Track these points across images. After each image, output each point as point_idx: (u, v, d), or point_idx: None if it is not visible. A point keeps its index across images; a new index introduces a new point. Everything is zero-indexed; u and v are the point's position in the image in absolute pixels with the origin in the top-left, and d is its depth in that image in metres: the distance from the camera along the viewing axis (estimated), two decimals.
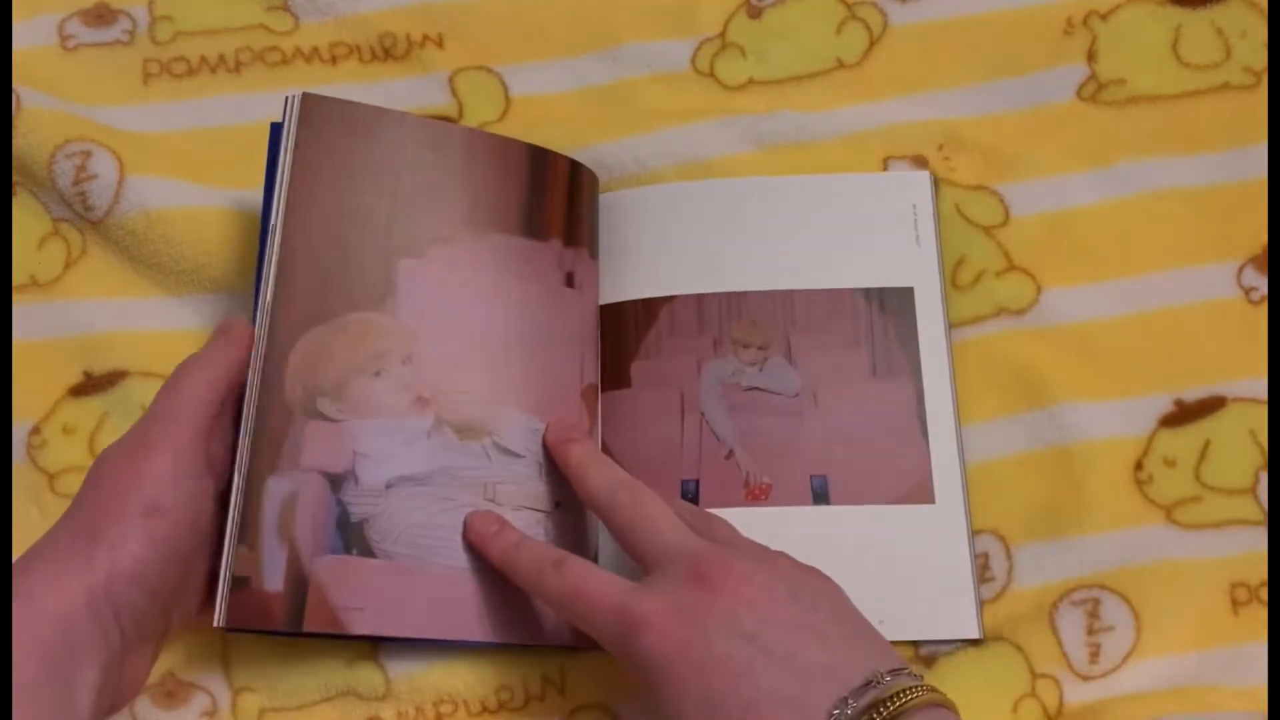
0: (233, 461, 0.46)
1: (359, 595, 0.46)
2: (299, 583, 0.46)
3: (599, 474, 0.47)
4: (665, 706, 0.39)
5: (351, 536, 0.47)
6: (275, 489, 0.46)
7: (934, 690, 0.39)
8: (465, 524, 0.48)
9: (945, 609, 0.50)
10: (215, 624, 0.44)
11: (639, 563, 0.44)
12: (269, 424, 0.47)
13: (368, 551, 0.47)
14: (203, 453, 0.44)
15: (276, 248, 0.48)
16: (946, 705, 0.39)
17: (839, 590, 0.42)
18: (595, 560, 0.50)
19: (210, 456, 0.45)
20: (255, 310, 0.49)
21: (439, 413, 0.49)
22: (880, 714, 0.37)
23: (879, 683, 0.37)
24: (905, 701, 0.37)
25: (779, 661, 0.38)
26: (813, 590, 0.41)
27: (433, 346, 0.50)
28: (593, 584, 0.42)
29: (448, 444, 0.49)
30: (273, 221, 0.49)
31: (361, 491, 0.47)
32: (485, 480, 0.49)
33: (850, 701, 0.37)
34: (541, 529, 0.49)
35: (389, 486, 0.48)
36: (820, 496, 0.51)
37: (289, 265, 0.48)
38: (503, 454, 0.50)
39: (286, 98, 0.50)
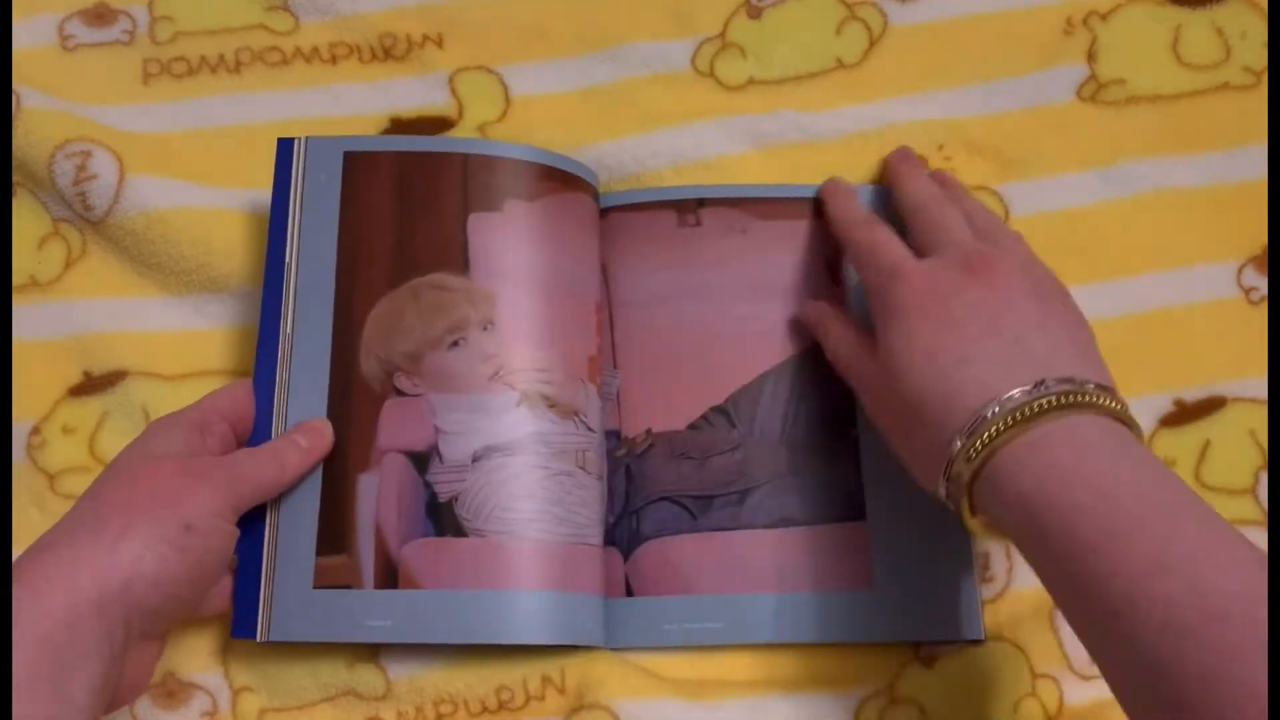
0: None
1: (454, 579, 0.46)
2: (389, 574, 0.46)
3: (913, 183, 0.52)
4: (895, 344, 0.45)
5: (440, 517, 0.47)
6: (368, 484, 0.47)
7: (1127, 412, 0.42)
8: (824, 185, 0.54)
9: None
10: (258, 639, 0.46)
11: (931, 253, 0.48)
12: (354, 409, 0.47)
13: (459, 531, 0.47)
14: (241, 512, 0.46)
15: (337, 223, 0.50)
16: (1130, 425, 0.42)
17: (1086, 323, 0.46)
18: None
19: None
20: (266, 304, 0.50)
21: (524, 389, 0.49)
22: (1064, 400, 0.41)
23: (1080, 381, 0.41)
24: (1093, 399, 0.41)
25: (1007, 340, 0.43)
26: (1061, 305, 0.46)
27: (511, 311, 0.50)
28: (885, 241, 0.49)
29: (537, 411, 0.49)
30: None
31: (446, 468, 0.47)
32: (578, 448, 0.49)
33: (1046, 383, 0.41)
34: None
35: (475, 460, 0.48)
36: None
37: (350, 234, 0.49)
38: (589, 430, 0.50)
39: None
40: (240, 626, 0.47)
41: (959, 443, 0.41)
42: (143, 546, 0.41)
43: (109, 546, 0.41)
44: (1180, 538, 0.37)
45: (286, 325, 0.50)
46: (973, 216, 0.49)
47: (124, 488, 0.43)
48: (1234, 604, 0.35)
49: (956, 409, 0.42)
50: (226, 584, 0.47)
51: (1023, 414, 0.40)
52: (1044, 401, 0.40)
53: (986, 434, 0.41)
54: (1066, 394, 0.41)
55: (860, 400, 0.49)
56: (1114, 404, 0.41)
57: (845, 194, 0.54)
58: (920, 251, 0.48)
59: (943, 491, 0.43)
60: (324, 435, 0.48)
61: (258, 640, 0.47)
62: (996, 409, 0.41)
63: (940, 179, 0.53)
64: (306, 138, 0.52)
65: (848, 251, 0.51)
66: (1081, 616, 0.39)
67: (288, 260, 0.50)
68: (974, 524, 0.43)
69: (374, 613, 0.47)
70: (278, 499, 0.48)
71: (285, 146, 0.52)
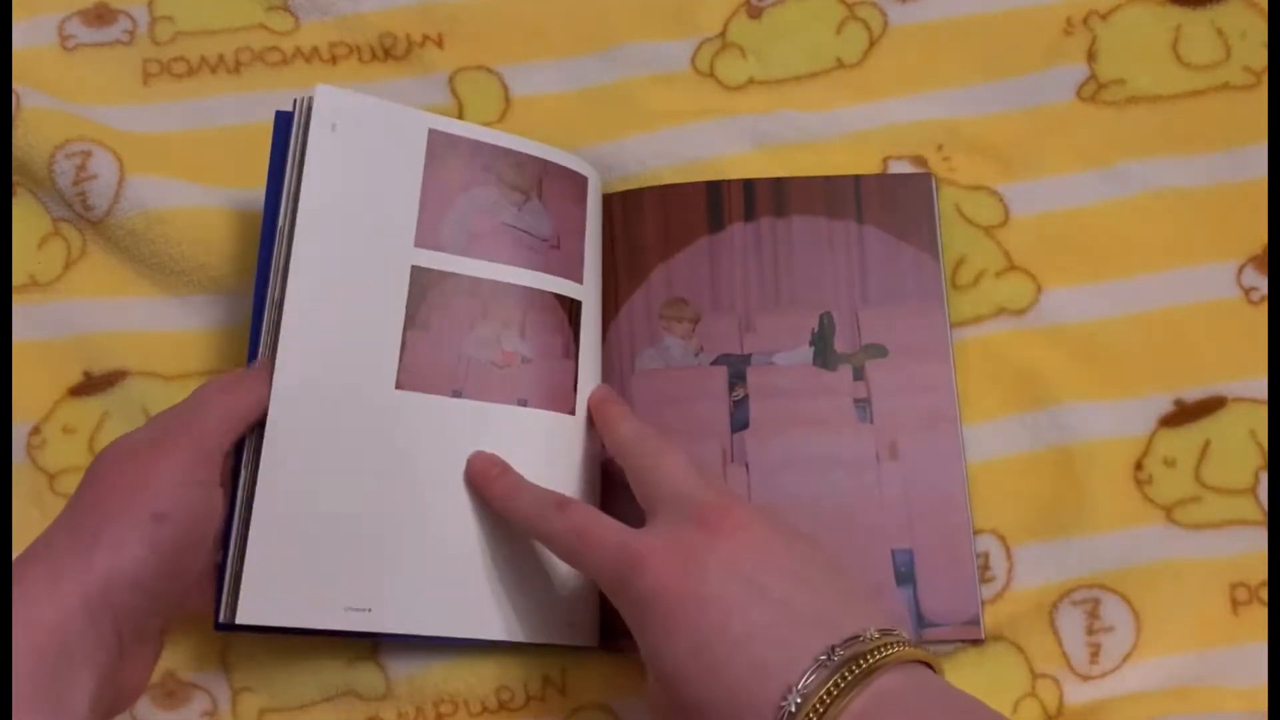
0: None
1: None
2: None
3: (630, 425, 0.48)
4: (656, 643, 0.39)
5: None
6: None
7: (920, 649, 0.39)
8: (467, 465, 0.48)
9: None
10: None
11: (647, 507, 0.44)
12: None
13: None
14: (219, 467, 0.44)
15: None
16: (931, 665, 0.39)
17: (834, 553, 0.42)
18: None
19: (225, 473, 0.45)
20: (258, 305, 0.49)
21: None
22: (864, 664, 0.37)
23: (867, 637, 0.38)
24: (888, 655, 0.37)
25: (773, 604, 0.39)
26: (810, 546, 0.42)
27: None
28: (595, 523, 0.43)
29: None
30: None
31: None
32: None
33: (838, 650, 0.37)
34: None
35: None
36: None
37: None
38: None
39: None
40: (216, 616, 0.45)
41: None
42: (114, 549, 0.40)
43: (85, 553, 0.40)
44: None
45: (275, 292, 0.47)
46: (689, 462, 0.45)
47: (95, 487, 0.42)
48: None
49: (750, 707, 0.37)
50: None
51: (829, 696, 0.36)
52: (842, 677, 0.36)
53: None
54: (858, 658, 0.37)
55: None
56: (905, 649, 0.38)
57: (522, 489, 0.47)
58: (642, 504, 0.44)
59: None
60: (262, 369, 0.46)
61: (220, 623, 0.45)
62: (798, 702, 0.36)
63: (641, 425, 0.49)
64: (314, 88, 0.49)
65: (551, 549, 0.45)
66: None
67: (282, 222, 0.48)
68: None
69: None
70: (251, 482, 0.46)
71: (285, 118, 0.50)
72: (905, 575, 0.50)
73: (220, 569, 0.45)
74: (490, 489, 0.47)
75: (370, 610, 0.46)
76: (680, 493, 0.43)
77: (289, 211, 0.48)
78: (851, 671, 0.36)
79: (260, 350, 0.47)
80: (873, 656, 0.37)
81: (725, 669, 0.38)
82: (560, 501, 0.45)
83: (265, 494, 0.46)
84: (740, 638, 0.38)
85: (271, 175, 0.50)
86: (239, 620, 0.45)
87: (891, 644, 0.38)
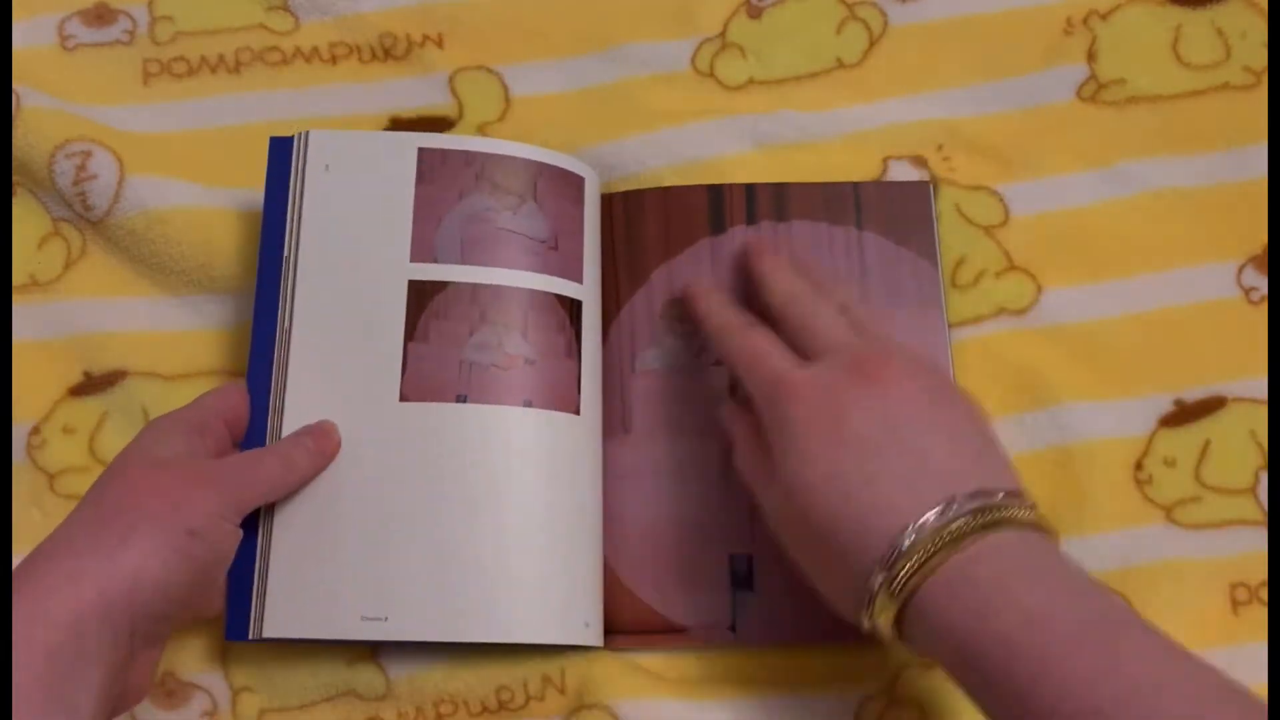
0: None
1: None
2: None
3: (782, 281, 0.50)
4: (794, 466, 0.42)
5: None
6: None
7: (1043, 518, 0.41)
8: (683, 291, 0.52)
9: None
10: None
11: (809, 356, 0.46)
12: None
13: None
14: (245, 515, 0.45)
15: None
16: (1048, 532, 0.41)
17: (981, 414, 0.44)
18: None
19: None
20: (261, 302, 0.50)
21: None
22: (982, 518, 0.39)
23: (993, 494, 0.40)
24: (1008, 513, 0.39)
25: (909, 452, 0.41)
26: (958, 407, 0.44)
27: None
28: (765, 349, 0.46)
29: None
30: None
31: None
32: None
33: (961, 500, 0.39)
34: None
35: None
36: None
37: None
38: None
39: None
40: (233, 629, 0.47)
41: (879, 577, 0.39)
42: (146, 552, 0.41)
43: (111, 552, 0.40)
44: (1119, 667, 0.35)
45: (285, 322, 0.50)
46: (847, 309, 0.48)
47: (124, 492, 0.43)
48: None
49: (868, 539, 0.40)
50: (226, 586, 0.47)
51: (940, 540, 0.39)
52: (958, 525, 0.39)
53: (906, 567, 0.39)
54: (980, 511, 0.39)
55: (767, 522, 0.46)
56: (1026, 513, 0.40)
57: (712, 296, 0.51)
58: (800, 354, 0.46)
59: (865, 625, 0.41)
60: (331, 438, 0.48)
61: (249, 638, 0.46)
62: (912, 538, 0.39)
63: (804, 269, 0.51)
64: (307, 131, 0.52)
65: (726, 362, 0.48)
66: None
67: (286, 255, 0.50)
68: (901, 649, 0.42)
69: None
70: (270, 504, 0.48)
71: (280, 145, 0.52)
72: None
73: (230, 585, 0.47)
74: (697, 305, 0.51)
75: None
76: (840, 342, 0.45)
77: (293, 246, 0.50)
78: (970, 522, 0.39)
79: (273, 383, 0.49)
80: (994, 513, 0.39)
81: (852, 501, 0.41)
82: (748, 324, 0.48)
83: (283, 512, 0.48)
84: (871, 476, 0.41)
85: (268, 200, 0.51)
86: (265, 635, 0.46)
87: (1015, 507, 0.40)
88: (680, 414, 0.53)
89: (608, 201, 0.55)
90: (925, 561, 0.39)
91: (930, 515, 0.39)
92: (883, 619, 0.40)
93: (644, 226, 0.55)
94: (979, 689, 0.38)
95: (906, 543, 0.39)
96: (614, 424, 0.52)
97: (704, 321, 0.50)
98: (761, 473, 0.46)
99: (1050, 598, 0.38)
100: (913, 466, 0.41)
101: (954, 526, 0.39)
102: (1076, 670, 0.36)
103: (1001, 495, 0.40)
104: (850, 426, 0.42)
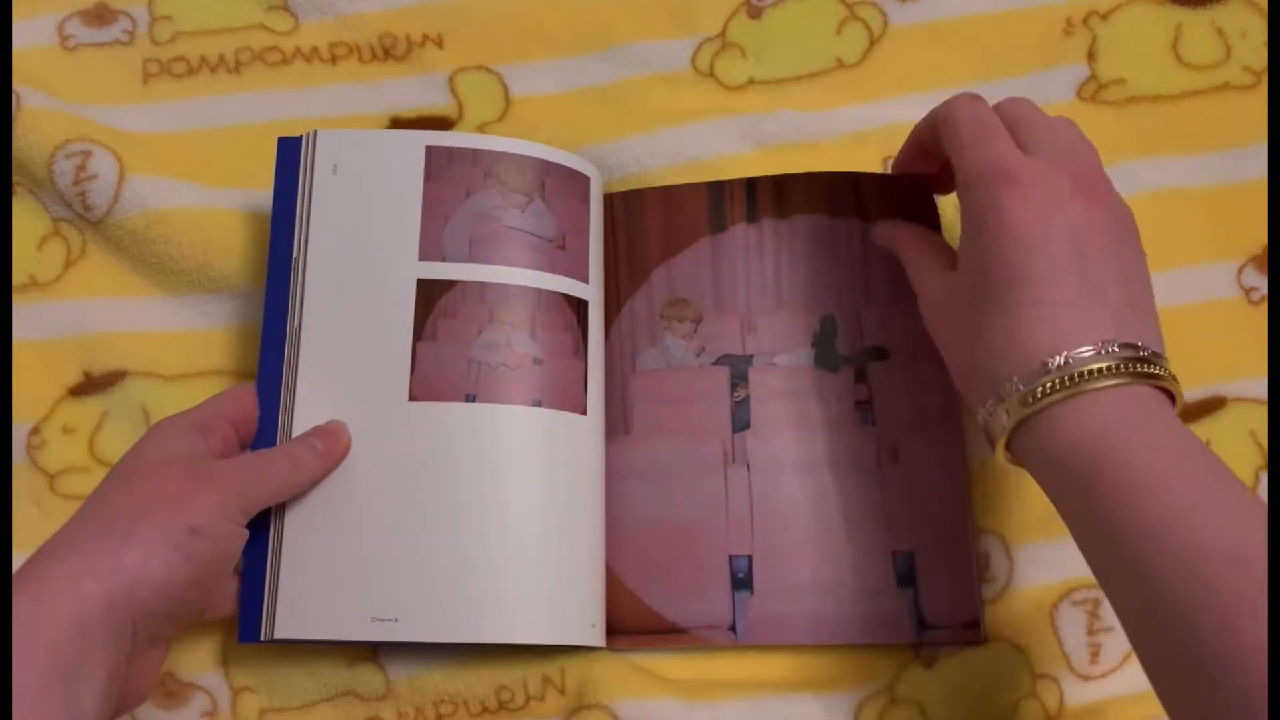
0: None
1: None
2: None
3: (1004, 101, 0.48)
4: (977, 255, 0.43)
5: None
6: None
7: (1177, 388, 0.42)
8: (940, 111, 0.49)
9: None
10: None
11: (1026, 152, 0.45)
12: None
13: None
14: (251, 515, 0.45)
15: None
16: (1177, 401, 0.42)
17: (1147, 269, 0.45)
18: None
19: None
20: (271, 302, 0.50)
21: None
22: (1128, 370, 0.40)
23: (1143, 350, 0.41)
24: (1152, 371, 0.41)
25: (1091, 283, 0.42)
26: (1136, 254, 0.44)
27: None
28: (998, 127, 0.46)
29: None
30: None
31: None
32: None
33: (1118, 345, 0.41)
34: None
35: None
36: None
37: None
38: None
39: None
40: (246, 631, 0.47)
41: (1016, 388, 0.41)
42: (148, 551, 0.41)
43: (114, 552, 0.40)
44: (1209, 493, 0.38)
45: (294, 321, 0.50)
46: (1061, 125, 0.47)
47: (129, 492, 0.43)
48: (1256, 557, 0.35)
49: (1021, 349, 0.41)
50: (233, 588, 0.47)
51: (1083, 376, 0.40)
52: (1106, 366, 0.40)
53: (1044, 387, 0.40)
54: (1128, 362, 0.40)
55: (920, 302, 0.48)
56: (1166, 375, 0.41)
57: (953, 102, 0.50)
58: (1022, 147, 0.45)
59: (982, 420, 0.43)
60: (340, 439, 0.48)
61: (261, 639, 0.46)
62: (1059, 363, 0.40)
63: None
64: (315, 131, 0.52)
65: (945, 132, 0.47)
66: (1105, 564, 0.40)
67: (295, 255, 0.50)
68: (1003, 457, 0.43)
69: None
70: (281, 505, 0.48)
71: (288, 144, 0.52)
72: (906, 577, 0.50)
73: (243, 588, 0.47)
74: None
75: (397, 620, 0.47)
76: (1065, 147, 0.45)
77: (302, 246, 0.50)
78: (1119, 368, 0.40)
79: (283, 382, 0.49)
80: (1142, 366, 0.40)
81: (1024, 310, 0.42)
82: (978, 95, 0.48)
83: (294, 514, 0.48)
84: (1047, 296, 0.41)
85: (277, 200, 0.51)
86: (277, 636, 0.46)
87: (1161, 369, 0.41)
88: (680, 414, 0.53)
89: (609, 200, 0.55)
90: (1062, 388, 0.40)
91: (1084, 351, 0.40)
92: (1005, 419, 0.41)
93: (644, 225, 0.55)
94: (1069, 502, 0.41)
95: (1054, 365, 0.40)
96: (614, 424, 0.52)
97: (943, 108, 0.49)
98: (936, 253, 0.48)
99: (1164, 447, 0.39)
100: (1086, 301, 0.42)
101: (1101, 367, 0.40)
102: (1173, 488, 0.38)
103: (1149, 354, 0.41)
104: (1051, 237, 0.42)
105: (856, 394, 0.52)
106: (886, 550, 0.50)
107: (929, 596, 0.50)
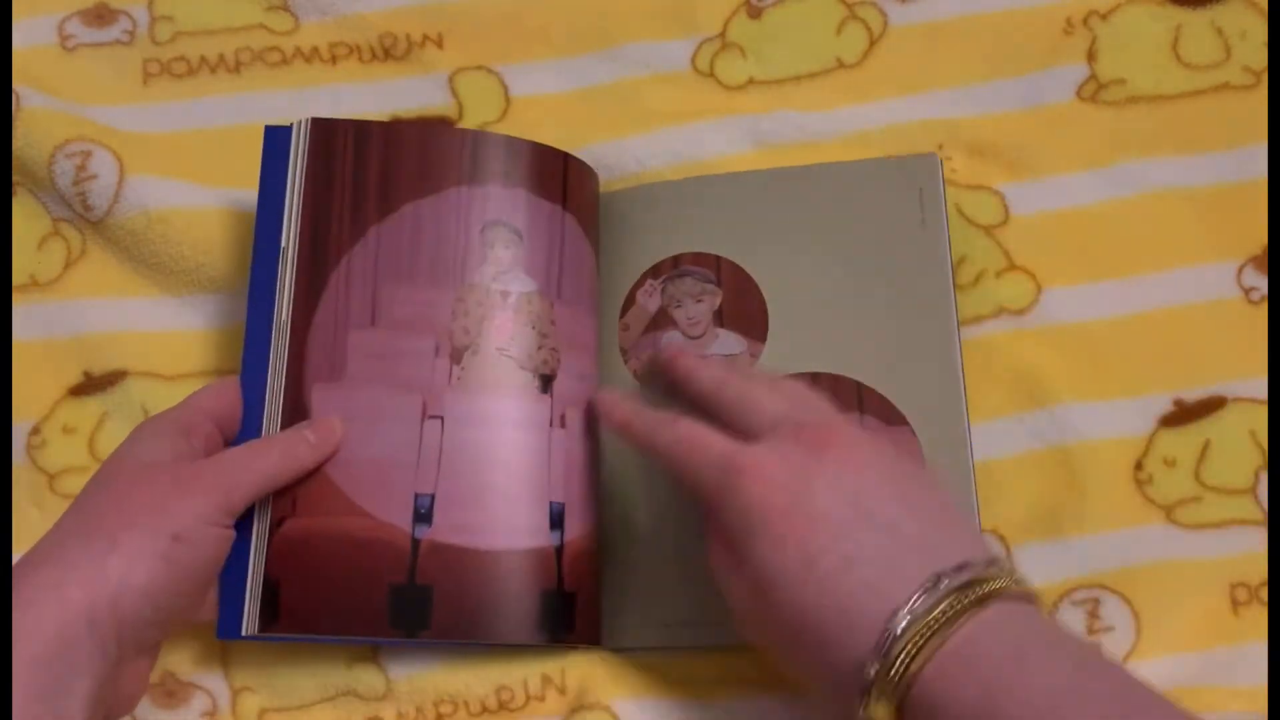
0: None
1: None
2: None
3: (707, 368, 0.49)
4: (763, 553, 0.40)
5: None
6: None
7: (1025, 585, 0.39)
8: (593, 403, 0.50)
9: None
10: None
11: (749, 437, 0.43)
12: None
13: None
14: (237, 515, 0.45)
15: None
16: (1034, 603, 0.40)
17: (934, 477, 0.44)
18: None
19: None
20: (255, 294, 0.49)
21: None
22: (974, 593, 0.37)
23: (974, 565, 0.38)
24: (996, 586, 0.38)
25: (881, 528, 0.39)
26: (911, 472, 0.43)
27: None
28: (703, 434, 0.44)
29: None
30: None
31: None
32: None
33: (946, 577, 0.38)
34: None
35: None
36: None
37: None
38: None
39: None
40: (225, 626, 0.46)
41: (874, 668, 0.37)
42: (131, 559, 0.40)
43: (97, 560, 0.40)
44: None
45: (282, 314, 0.49)
46: (777, 387, 0.46)
47: (111, 498, 0.42)
48: None
49: (857, 627, 0.38)
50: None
51: (935, 622, 0.37)
52: (949, 604, 0.37)
53: (903, 654, 0.37)
54: (968, 585, 0.38)
55: (732, 614, 0.43)
56: (1013, 583, 0.39)
57: (623, 402, 0.49)
58: (740, 436, 0.43)
59: (861, 716, 0.38)
60: (334, 432, 0.47)
61: (244, 634, 0.46)
62: (905, 622, 0.37)
63: (723, 362, 0.50)
64: (310, 118, 0.51)
65: (661, 460, 0.45)
66: None
67: (284, 246, 0.49)
68: None
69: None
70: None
71: (273, 135, 0.51)
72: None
73: (223, 583, 0.46)
74: (613, 418, 0.48)
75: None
76: (782, 414, 0.44)
77: (292, 237, 0.49)
78: (961, 599, 0.37)
79: (270, 376, 0.48)
80: (981, 587, 0.37)
81: (835, 585, 0.38)
82: (673, 418, 0.45)
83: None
84: (851, 557, 0.39)
85: (263, 191, 0.50)
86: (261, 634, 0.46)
87: (998, 576, 0.38)
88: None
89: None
90: (922, 646, 0.37)
91: (919, 597, 0.37)
92: (881, 711, 0.37)
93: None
94: None
95: (900, 628, 0.37)
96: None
97: (624, 428, 0.48)
98: (723, 562, 0.42)
99: (1057, 675, 0.36)
100: (888, 545, 0.39)
101: (945, 606, 0.37)
102: None
103: (984, 565, 0.38)
104: (815, 503, 0.40)
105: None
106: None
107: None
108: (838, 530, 0.39)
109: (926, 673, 0.37)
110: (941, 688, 0.36)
